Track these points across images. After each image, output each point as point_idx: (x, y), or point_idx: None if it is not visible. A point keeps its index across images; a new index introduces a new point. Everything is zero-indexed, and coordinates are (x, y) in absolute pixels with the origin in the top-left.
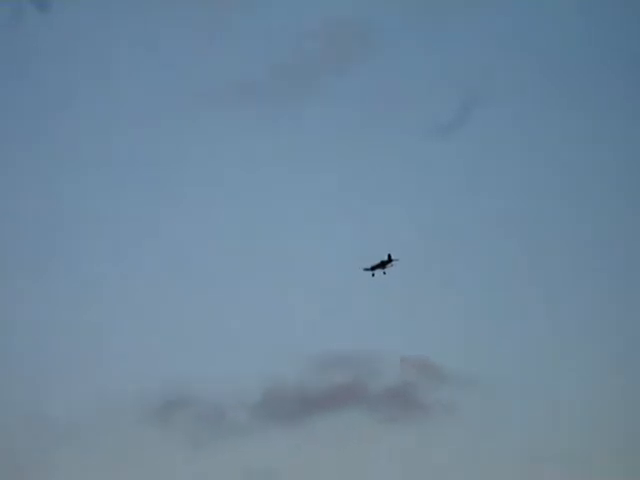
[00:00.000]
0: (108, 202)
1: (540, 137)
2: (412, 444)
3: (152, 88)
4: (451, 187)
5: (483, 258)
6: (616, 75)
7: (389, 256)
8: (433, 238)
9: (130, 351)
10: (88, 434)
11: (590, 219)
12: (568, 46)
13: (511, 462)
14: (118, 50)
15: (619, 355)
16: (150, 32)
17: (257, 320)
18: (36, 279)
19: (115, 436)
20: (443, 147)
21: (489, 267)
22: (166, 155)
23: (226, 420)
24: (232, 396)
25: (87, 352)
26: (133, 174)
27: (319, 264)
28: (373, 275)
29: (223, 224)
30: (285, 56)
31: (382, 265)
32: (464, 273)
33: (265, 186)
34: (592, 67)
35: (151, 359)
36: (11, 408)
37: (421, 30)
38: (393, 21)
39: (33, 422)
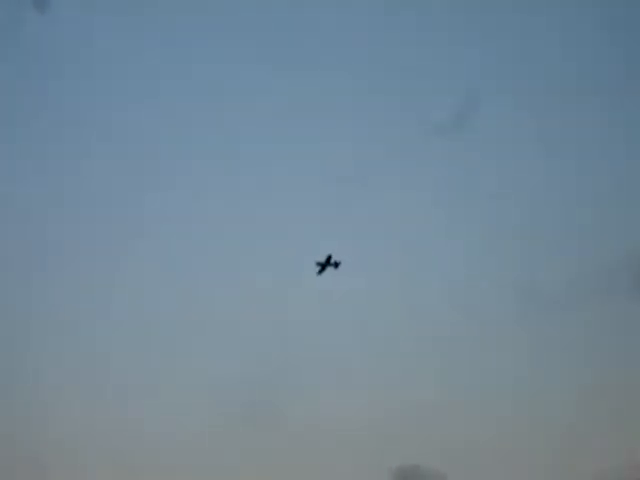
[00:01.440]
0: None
1: (540, 137)
2: None
3: (151, 88)
4: (450, 187)
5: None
6: (617, 75)
7: (329, 257)
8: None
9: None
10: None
11: (592, 219)
12: (569, 46)
13: None
14: (118, 50)
15: None
16: (149, 33)
17: None
18: None
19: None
20: (443, 147)
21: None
22: (166, 153)
23: None
24: None
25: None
26: (136, 173)
27: None
28: (320, 273)
29: None
30: None
31: (327, 265)
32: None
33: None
34: (593, 67)
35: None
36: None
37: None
38: None
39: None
